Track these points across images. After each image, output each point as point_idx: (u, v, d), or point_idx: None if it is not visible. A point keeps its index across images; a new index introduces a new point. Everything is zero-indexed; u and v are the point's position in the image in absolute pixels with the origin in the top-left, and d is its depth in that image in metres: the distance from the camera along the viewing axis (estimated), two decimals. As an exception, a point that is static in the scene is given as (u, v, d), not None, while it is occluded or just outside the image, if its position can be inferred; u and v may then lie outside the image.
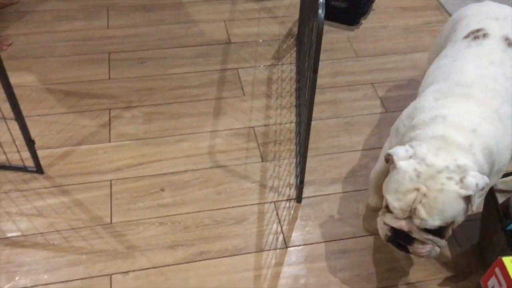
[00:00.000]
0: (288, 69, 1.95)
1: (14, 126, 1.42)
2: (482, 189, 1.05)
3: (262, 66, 1.95)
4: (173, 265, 1.33)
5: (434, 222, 1.05)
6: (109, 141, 1.63)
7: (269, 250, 1.38)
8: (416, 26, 2.20)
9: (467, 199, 1.05)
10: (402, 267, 1.36)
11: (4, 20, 2.06)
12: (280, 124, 1.73)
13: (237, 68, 1.94)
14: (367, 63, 2.00)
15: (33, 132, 1.53)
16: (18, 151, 1.51)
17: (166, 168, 1.56)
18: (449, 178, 1.04)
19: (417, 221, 1.07)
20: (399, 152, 1.10)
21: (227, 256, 1.36)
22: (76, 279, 1.29)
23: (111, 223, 1.41)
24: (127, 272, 1.31)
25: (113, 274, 1.30)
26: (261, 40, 2.06)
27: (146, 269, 1.32)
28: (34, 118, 1.68)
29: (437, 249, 1.13)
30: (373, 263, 1.37)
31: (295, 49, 2.04)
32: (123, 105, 1.75)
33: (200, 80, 1.87)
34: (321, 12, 1.13)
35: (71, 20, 2.09)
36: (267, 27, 2.15)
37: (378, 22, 2.20)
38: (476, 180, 1.04)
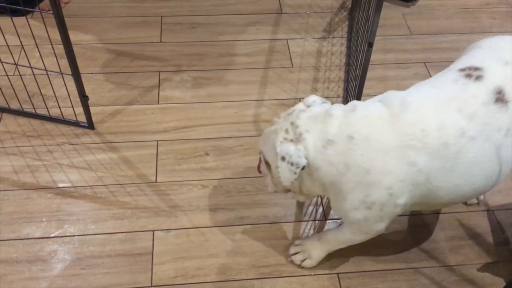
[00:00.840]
0: (338, 42, 1.92)
1: (70, 82, 1.48)
2: (292, 164, 1.05)
3: (312, 38, 1.93)
4: (213, 227, 1.37)
5: (262, 151, 1.18)
6: (158, 103, 1.67)
7: (307, 221, 1.39)
8: (475, 6, 2.11)
9: (282, 158, 1.06)
10: (441, 249, 1.35)
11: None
12: (327, 97, 1.71)
13: (287, 39, 1.92)
14: (421, 41, 1.94)
15: (87, 89, 1.58)
16: (72, 106, 1.56)
17: (210, 133, 1.59)
18: (287, 131, 1.08)
19: None
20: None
21: (266, 223, 1.38)
22: (121, 232, 1.35)
23: (156, 181, 1.46)
24: (169, 229, 1.36)
25: (155, 230, 1.35)
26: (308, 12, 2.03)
27: (187, 228, 1.36)
28: (88, 75, 1.74)
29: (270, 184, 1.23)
30: (410, 242, 1.36)
31: (347, 23, 2.01)
32: (172, 69, 1.78)
33: (249, 49, 1.87)
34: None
35: None
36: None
37: (436, 0, 2.13)
38: (294, 152, 1.05)
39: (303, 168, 1.06)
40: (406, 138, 1.01)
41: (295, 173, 1.07)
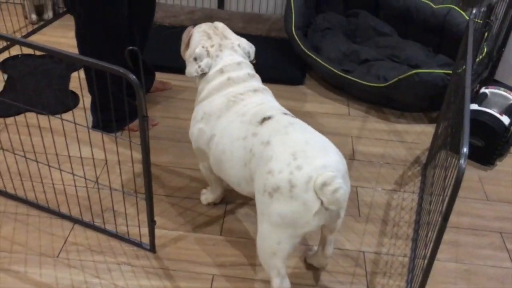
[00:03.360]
0: (409, 198, 1.89)
1: (142, 201, 1.54)
2: (199, 67, 1.55)
3: (382, 189, 1.92)
4: None
5: (192, 34, 1.62)
6: (220, 234, 1.68)
7: None
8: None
9: (194, 58, 1.56)
10: None
11: (156, 102, 2.31)
12: (393, 255, 1.64)
13: (357, 186, 1.92)
14: (498, 209, 1.86)
15: (156, 210, 1.64)
16: (139, 226, 1.61)
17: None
18: (212, 46, 1.55)
19: None
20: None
21: None
22: None
23: (204, 319, 1.41)
24: None
25: None
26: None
27: None
28: (160, 196, 1.81)
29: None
30: None
31: (420, 178, 1.98)
32: (239, 201, 1.81)
33: (317, 191, 1.89)
34: (465, 150, 1.08)
35: (211, 112, 2.28)
36: (394, 150, 2.13)
37: (516, 167, 2.07)
38: (206, 63, 1.54)
39: (203, 74, 1.56)
40: None
41: (197, 73, 1.56)
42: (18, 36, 2.72)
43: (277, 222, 1.27)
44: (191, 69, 1.56)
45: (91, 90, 2.04)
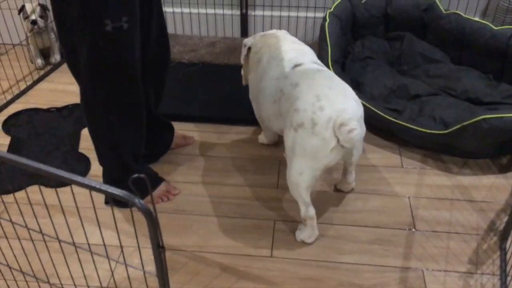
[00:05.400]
0: (489, 282, 1.54)
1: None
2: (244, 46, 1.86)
3: (454, 271, 1.57)
4: None
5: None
6: None
7: None
8: None
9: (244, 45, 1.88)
10: None
11: (177, 163, 2.01)
12: None
13: (423, 269, 1.58)
14: None
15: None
16: None
17: None
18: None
19: None
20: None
21: None
22: None
23: None
24: None
25: None
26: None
27: None
28: (186, 296, 1.51)
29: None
30: None
31: (498, 253, 1.63)
32: (282, 296, 1.50)
33: (375, 278, 1.55)
34: None
35: (241, 172, 1.97)
36: (462, 214, 1.78)
37: None
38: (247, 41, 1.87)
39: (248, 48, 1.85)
40: None
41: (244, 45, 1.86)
42: (23, 85, 2.46)
43: (300, 154, 1.50)
44: (243, 53, 1.90)
45: (101, 163, 1.75)
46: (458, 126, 1.87)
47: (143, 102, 1.62)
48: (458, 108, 2.08)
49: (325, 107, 1.45)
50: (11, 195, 1.84)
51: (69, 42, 1.48)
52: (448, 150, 2.01)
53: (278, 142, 2.10)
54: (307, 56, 1.72)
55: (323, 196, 1.85)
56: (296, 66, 1.64)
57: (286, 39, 1.80)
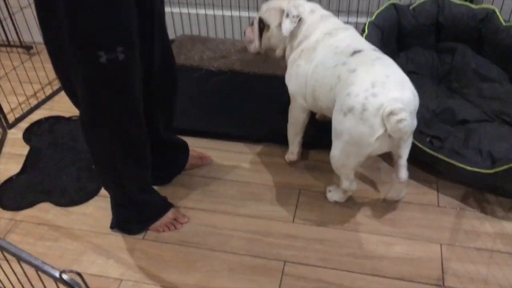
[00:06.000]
0: None
1: None
2: (293, 16, 1.67)
3: None
4: None
5: (263, 17, 1.78)
6: None
7: None
8: None
9: (286, 15, 1.68)
10: None
11: (190, 186, 1.89)
12: None
13: (446, 338, 1.38)
14: None
15: None
16: None
17: None
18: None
19: None
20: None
21: None
22: None
23: None
24: None
25: None
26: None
27: None
28: None
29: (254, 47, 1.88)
30: None
31: (541, 326, 1.39)
32: None
33: None
34: None
35: (257, 201, 1.82)
36: (501, 270, 1.54)
37: None
38: (295, 10, 1.68)
39: (299, 20, 1.69)
40: None
41: (295, 22, 1.67)
42: (49, 91, 2.44)
43: (346, 139, 1.50)
44: (287, 25, 1.67)
45: (106, 189, 1.67)
46: (507, 166, 1.60)
47: (145, 136, 1.51)
48: (511, 140, 1.80)
49: (379, 94, 1.42)
50: (20, 212, 1.82)
51: (63, 74, 1.38)
52: (494, 190, 1.75)
53: (299, 166, 1.94)
54: (362, 39, 1.69)
55: (340, 237, 1.67)
56: (355, 52, 1.57)
57: (338, 24, 1.71)
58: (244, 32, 1.89)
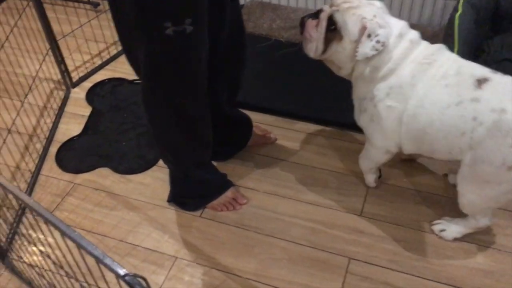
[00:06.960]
0: None
1: None
2: (378, 42, 1.27)
3: None
4: None
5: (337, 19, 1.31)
6: None
7: None
8: None
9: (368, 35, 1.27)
10: None
11: (251, 165, 1.78)
12: None
13: None
14: None
15: None
16: None
17: None
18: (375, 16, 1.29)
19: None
20: None
21: None
22: None
23: None
24: None
25: None
26: None
27: None
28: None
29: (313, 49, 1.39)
30: None
31: None
32: None
33: None
34: None
35: (322, 187, 1.69)
36: None
37: None
38: (383, 32, 1.27)
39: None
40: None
41: (376, 50, 1.28)
42: (114, 51, 2.37)
43: (505, 189, 1.28)
44: (366, 49, 1.29)
45: (163, 159, 1.60)
46: None
47: (207, 114, 1.40)
48: None
49: None
50: (79, 176, 1.78)
51: (126, 43, 1.28)
52: None
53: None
54: (474, 65, 1.33)
55: (413, 238, 1.52)
56: (480, 82, 1.25)
57: (428, 46, 1.35)
58: (304, 22, 1.38)
